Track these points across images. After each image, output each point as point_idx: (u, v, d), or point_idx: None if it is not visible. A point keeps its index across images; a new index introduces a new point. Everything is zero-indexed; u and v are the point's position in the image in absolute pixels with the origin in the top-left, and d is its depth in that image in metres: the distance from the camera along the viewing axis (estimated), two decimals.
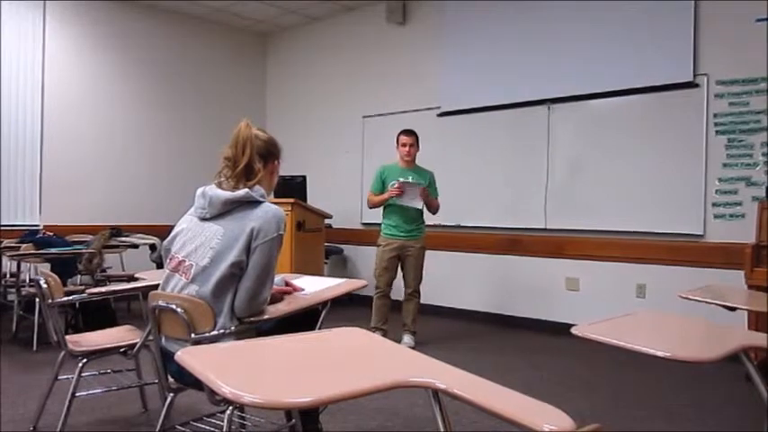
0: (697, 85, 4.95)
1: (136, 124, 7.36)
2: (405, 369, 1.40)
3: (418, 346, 4.87)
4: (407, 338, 4.95)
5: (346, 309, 5.16)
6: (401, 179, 4.86)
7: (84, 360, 2.84)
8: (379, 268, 4.96)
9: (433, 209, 5.03)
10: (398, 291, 5.07)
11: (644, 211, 5.20)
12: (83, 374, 2.85)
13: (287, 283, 2.47)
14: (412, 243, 4.97)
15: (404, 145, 4.97)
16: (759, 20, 4.64)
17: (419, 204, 4.90)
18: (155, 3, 7.30)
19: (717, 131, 4.88)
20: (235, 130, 2.27)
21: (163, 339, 2.22)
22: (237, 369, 1.38)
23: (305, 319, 2.40)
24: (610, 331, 1.82)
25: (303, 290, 2.48)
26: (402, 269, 5.02)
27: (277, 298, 2.31)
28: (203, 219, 2.20)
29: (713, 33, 4.91)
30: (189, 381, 2.10)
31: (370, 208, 5.14)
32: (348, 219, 7.24)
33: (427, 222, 5.11)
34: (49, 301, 2.83)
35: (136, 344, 2.92)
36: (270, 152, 2.35)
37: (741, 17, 4.75)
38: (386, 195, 4.86)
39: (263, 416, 2.79)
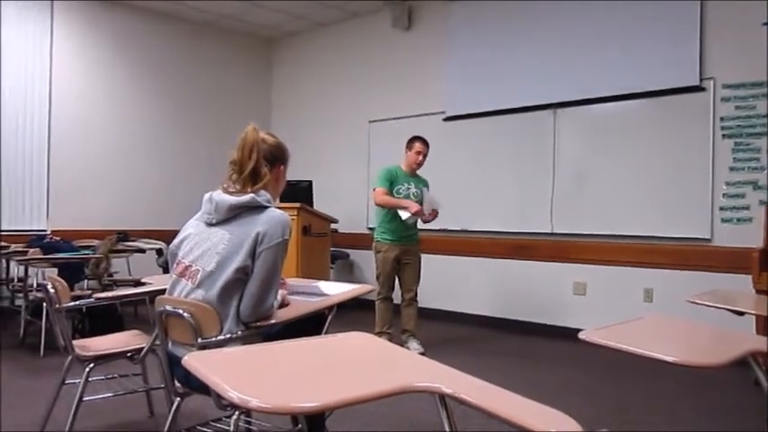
0: (703, 89, 4.94)
1: (143, 129, 7.40)
2: (411, 374, 1.40)
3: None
4: (415, 344, 4.93)
5: (351, 313, 5.16)
6: (407, 184, 4.93)
7: (91, 365, 2.84)
8: (383, 273, 4.95)
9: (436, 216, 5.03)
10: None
11: (651, 215, 5.18)
12: (90, 379, 2.85)
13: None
14: (411, 247, 4.98)
15: (419, 153, 4.95)
16: (766, 23, 4.63)
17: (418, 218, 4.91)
18: (162, 8, 7.33)
19: (723, 135, 4.86)
20: (242, 134, 2.26)
21: (169, 344, 2.22)
22: (244, 374, 1.38)
23: (311, 324, 2.39)
24: (617, 336, 1.81)
25: (286, 283, 2.48)
26: (400, 274, 5.01)
27: (283, 303, 2.32)
28: (210, 224, 2.20)
29: (719, 37, 4.90)
30: (195, 385, 2.10)
31: (378, 205, 4.97)
32: (354, 223, 7.24)
33: (434, 227, 5.10)
34: (57, 305, 2.83)
35: (142, 348, 2.92)
36: (276, 157, 2.35)
37: (747, 21, 4.74)
38: (407, 204, 4.80)
39: (269, 420, 2.79)
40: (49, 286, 2.84)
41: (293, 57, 8.35)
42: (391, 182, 4.93)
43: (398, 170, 5.02)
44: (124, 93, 7.25)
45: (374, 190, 4.96)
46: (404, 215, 4.79)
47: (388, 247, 4.94)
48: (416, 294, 5.04)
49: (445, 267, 6.38)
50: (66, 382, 2.98)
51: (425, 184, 5.08)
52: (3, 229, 6.13)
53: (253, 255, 2.11)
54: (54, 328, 2.93)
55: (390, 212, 4.91)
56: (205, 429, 2.64)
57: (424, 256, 5.13)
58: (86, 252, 5.38)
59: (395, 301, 5.04)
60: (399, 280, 5.03)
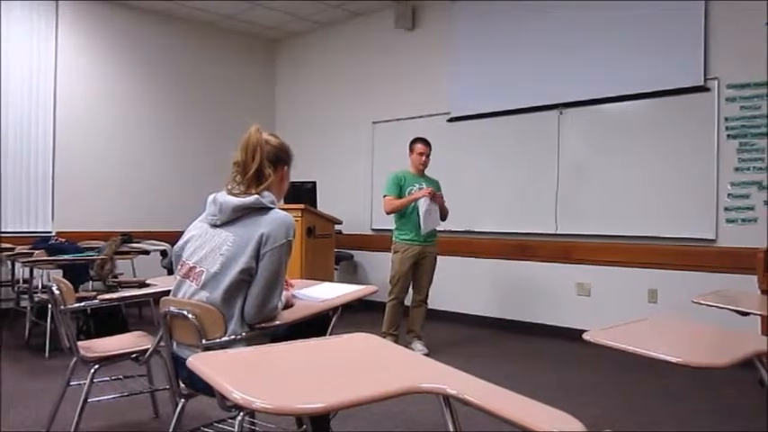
0: (708, 90, 4.93)
1: (147, 130, 7.42)
2: (415, 375, 1.40)
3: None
4: (420, 345, 4.93)
5: (355, 314, 5.17)
6: (417, 185, 4.92)
7: (96, 366, 2.85)
8: (398, 274, 4.93)
9: (445, 215, 5.04)
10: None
11: (655, 215, 5.17)
12: (95, 380, 2.86)
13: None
14: (429, 249, 4.98)
15: (421, 154, 4.97)
16: (767, 24, 4.62)
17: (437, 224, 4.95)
18: (165, 9, 7.35)
19: (728, 135, 4.85)
20: (245, 135, 2.26)
21: (174, 345, 2.22)
22: (248, 375, 1.38)
23: (315, 325, 2.40)
24: (622, 337, 1.81)
25: (293, 286, 2.49)
26: (414, 275, 5.01)
27: (288, 304, 2.32)
28: (214, 225, 2.21)
29: (724, 37, 4.89)
30: (200, 386, 2.10)
31: (389, 213, 4.98)
32: (358, 224, 7.24)
33: (437, 228, 5.10)
34: (62, 307, 2.84)
35: (147, 350, 2.92)
36: (279, 158, 2.35)
37: (752, 21, 4.72)
38: (415, 196, 4.83)
39: (273, 421, 2.79)
40: (54, 288, 2.85)
41: (296, 57, 8.36)
42: (400, 186, 4.93)
43: (406, 174, 5.03)
44: (128, 94, 7.27)
45: (384, 197, 4.98)
46: (422, 206, 4.80)
47: (408, 247, 4.92)
48: (427, 296, 5.04)
49: (449, 268, 6.36)
50: (72, 383, 2.99)
51: (436, 182, 5.09)
52: (8, 230, 6.16)
53: (257, 256, 2.11)
54: (59, 330, 2.94)
55: (406, 213, 4.91)
56: (209, 430, 2.64)
57: None
58: (91, 254, 5.40)
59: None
60: (413, 281, 5.03)
